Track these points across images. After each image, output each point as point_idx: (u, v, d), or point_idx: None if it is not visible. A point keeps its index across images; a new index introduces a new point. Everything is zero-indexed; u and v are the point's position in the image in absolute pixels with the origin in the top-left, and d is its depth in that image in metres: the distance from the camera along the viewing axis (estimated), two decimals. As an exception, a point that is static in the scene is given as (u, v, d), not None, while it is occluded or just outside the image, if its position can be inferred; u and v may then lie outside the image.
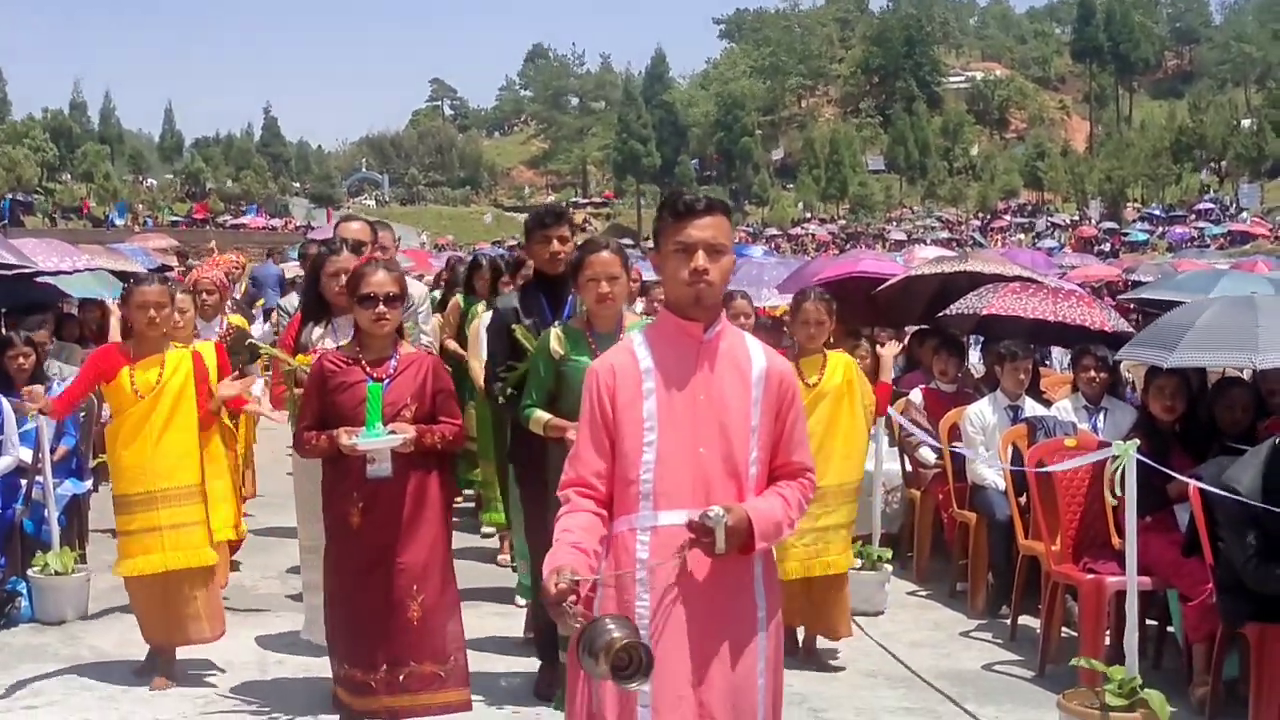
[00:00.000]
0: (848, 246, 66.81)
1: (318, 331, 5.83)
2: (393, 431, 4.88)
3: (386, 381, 4.98)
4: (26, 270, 9.37)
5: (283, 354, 5.86)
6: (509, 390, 5.58)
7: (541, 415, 5.25)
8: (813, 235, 78.98)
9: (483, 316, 7.70)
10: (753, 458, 3.21)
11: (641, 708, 3.11)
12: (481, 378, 7.73)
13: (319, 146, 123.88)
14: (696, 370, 3.21)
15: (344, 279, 5.43)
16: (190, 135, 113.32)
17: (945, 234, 76.98)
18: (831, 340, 6.58)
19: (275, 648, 6.66)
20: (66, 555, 7.25)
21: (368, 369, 4.99)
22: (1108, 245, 60.55)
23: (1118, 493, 5.42)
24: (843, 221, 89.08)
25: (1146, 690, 5.00)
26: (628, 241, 43.10)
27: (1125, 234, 65.78)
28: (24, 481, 7.61)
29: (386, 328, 4.98)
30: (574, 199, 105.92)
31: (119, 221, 72.51)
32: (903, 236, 73.10)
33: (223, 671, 6.23)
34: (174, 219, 77.66)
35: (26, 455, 7.55)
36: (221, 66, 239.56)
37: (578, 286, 5.32)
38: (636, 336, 3.33)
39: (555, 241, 5.74)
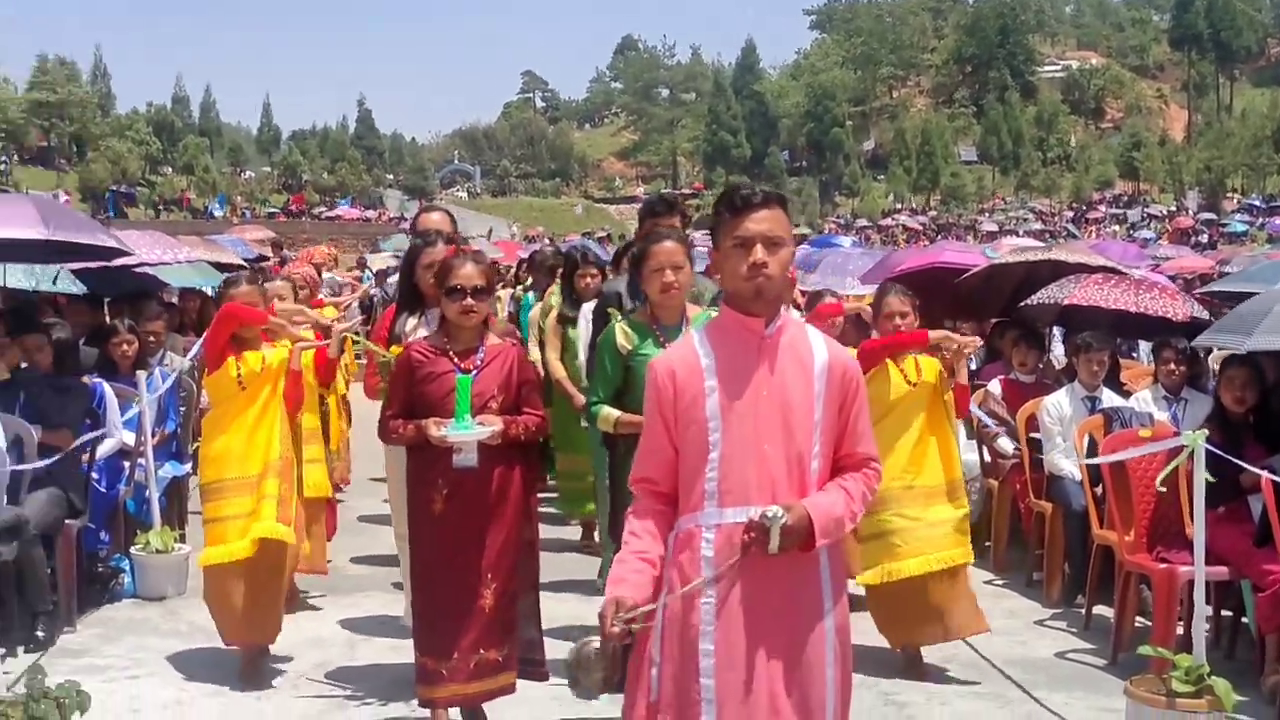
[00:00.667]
0: (938, 238, 66.23)
1: (411, 322, 5.89)
2: (481, 423, 4.94)
3: (474, 373, 5.04)
4: (129, 261, 9.72)
5: (377, 346, 5.96)
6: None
7: (610, 412, 5.24)
8: (903, 226, 78.31)
9: (581, 316, 7.83)
10: (815, 451, 3.19)
11: (705, 702, 3.12)
12: (556, 370, 8.17)
13: (412, 139, 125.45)
14: (758, 366, 3.19)
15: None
16: (287, 128, 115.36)
17: (1038, 225, 75.90)
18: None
19: (364, 628, 6.90)
20: (167, 534, 7.56)
21: (455, 360, 5.05)
22: (1205, 237, 59.29)
23: (1185, 483, 5.44)
24: (933, 213, 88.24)
25: (1213, 678, 5.03)
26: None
27: (1224, 225, 64.37)
28: (127, 463, 7.94)
29: (474, 319, 5.04)
30: (663, 190, 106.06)
31: (218, 213, 74.03)
32: (994, 228, 72.10)
33: (310, 654, 6.43)
34: (271, 211, 79.08)
35: (129, 438, 7.87)
36: (317, 60, 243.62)
37: (642, 278, 5.29)
38: (697, 333, 3.31)
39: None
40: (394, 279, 9.18)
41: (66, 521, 6.72)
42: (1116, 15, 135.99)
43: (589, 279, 8.22)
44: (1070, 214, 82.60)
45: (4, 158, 77.13)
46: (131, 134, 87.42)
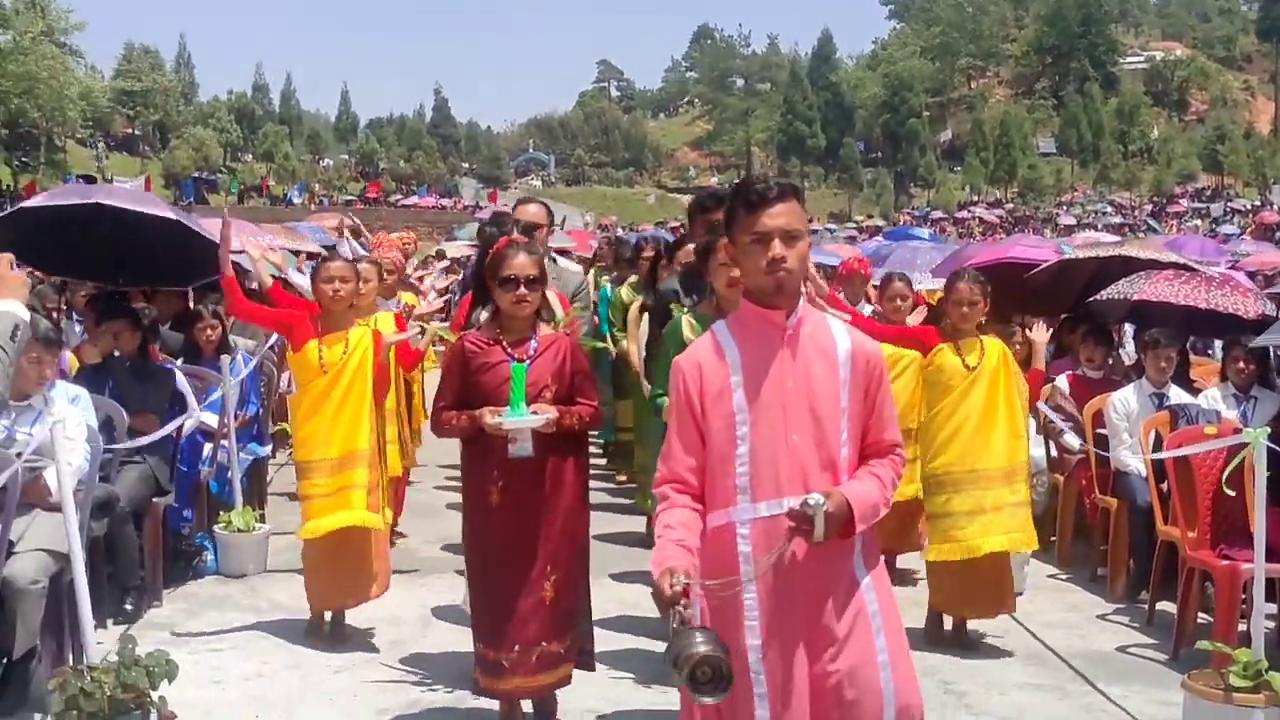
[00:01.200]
0: (1014, 231, 65.60)
1: (486, 313, 5.78)
2: (535, 412, 4.91)
3: (528, 363, 5.00)
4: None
5: (452, 335, 5.89)
6: None
7: None
8: (979, 219, 77.67)
9: (639, 301, 7.74)
10: (844, 439, 3.22)
11: (759, 696, 3.16)
12: (636, 362, 7.91)
13: (488, 127, 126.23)
14: (782, 358, 3.21)
15: None
16: (365, 116, 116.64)
17: (1117, 219, 74.96)
18: (984, 323, 6.62)
19: (436, 609, 7.09)
20: (249, 514, 7.81)
21: (509, 349, 5.02)
22: (1290, 232, 58.25)
23: (1249, 479, 5.48)
24: (1010, 205, 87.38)
25: (1271, 673, 5.07)
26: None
27: (1309, 220, 63.17)
28: (208, 445, 8.21)
29: (526, 310, 5.02)
30: (737, 180, 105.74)
31: (296, 200, 75.08)
32: (1072, 221, 71.36)
33: (386, 630, 6.64)
34: (348, 198, 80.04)
35: (211, 419, 8.13)
36: (395, 49, 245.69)
37: (708, 271, 5.25)
38: (720, 328, 3.33)
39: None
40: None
41: (154, 500, 6.99)
42: (1202, 5, 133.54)
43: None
44: (1150, 208, 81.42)
45: (97, 147, 78.72)
46: (213, 121, 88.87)
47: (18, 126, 71.08)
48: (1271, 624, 6.69)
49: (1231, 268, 16.91)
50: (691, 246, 6.10)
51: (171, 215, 8.55)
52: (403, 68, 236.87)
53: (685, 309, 5.37)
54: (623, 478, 10.59)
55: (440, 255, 25.06)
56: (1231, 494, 5.72)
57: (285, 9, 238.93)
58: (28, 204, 8.99)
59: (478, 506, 5.09)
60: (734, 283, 5.00)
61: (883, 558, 3.42)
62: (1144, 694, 5.94)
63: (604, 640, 5.76)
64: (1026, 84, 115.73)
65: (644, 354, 7.23)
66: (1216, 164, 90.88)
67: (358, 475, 6.34)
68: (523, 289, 4.98)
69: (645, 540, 8.30)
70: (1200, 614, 6.68)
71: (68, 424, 5.29)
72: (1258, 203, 75.91)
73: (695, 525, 3.21)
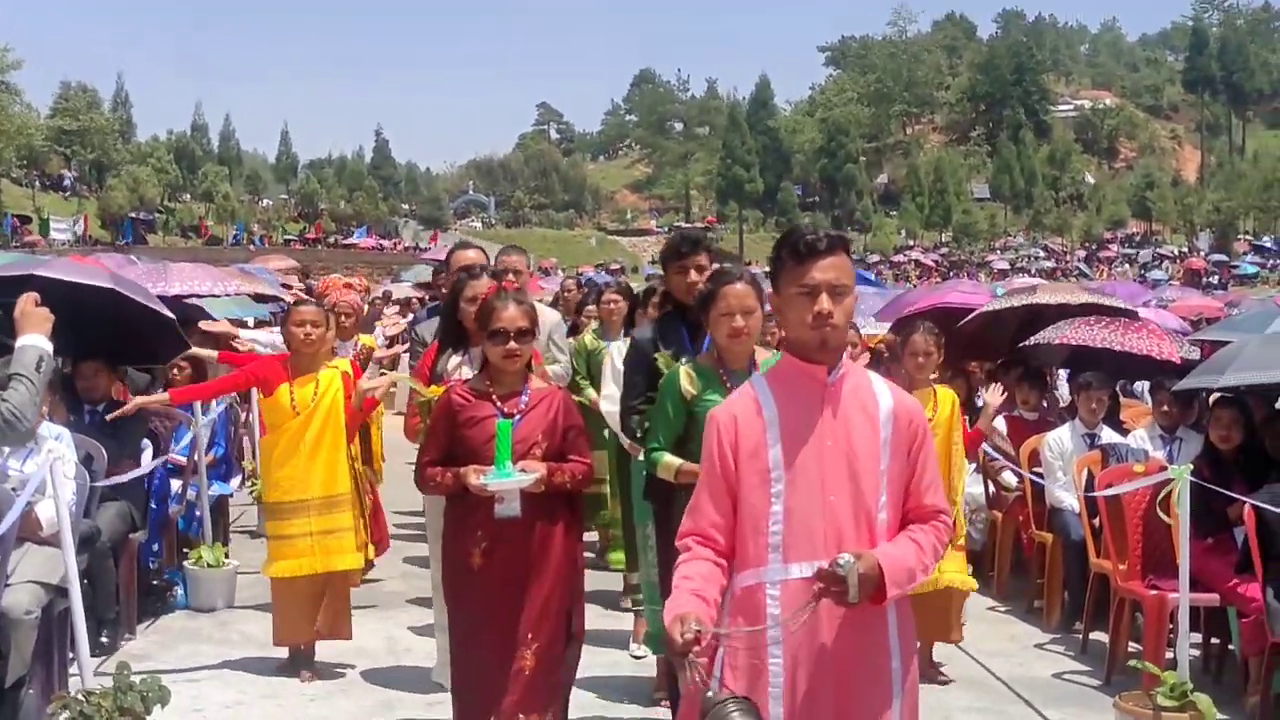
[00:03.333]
0: (950, 274, 66.80)
1: (454, 360, 5.74)
2: (523, 470, 4.65)
3: (517, 418, 4.76)
4: (181, 291, 10.26)
5: (418, 384, 5.81)
6: (646, 425, 5.25)
7: (671, 460, 4.97)
8: (915, 262, 78.89)
9: (611, 352, 7.37)
10: (883, 502, 3.08)
11: None
12: (612, 416, 7.17)
13: (427, 169, 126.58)
14: (822, 414, 3.08)
15: None
16: (305, 156, 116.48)
17: (1050, 263, 76.44)
18: (936, 373, 6.93)
19: (404, 639, 7.35)
20: (218, 549, 8.04)
21: (498, 403, 4.79)
22: (1216, 278, 59.81)
23: (1174, 513, 5.89)
24: (945, 249, 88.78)
25: (1196, 694, 5.47)
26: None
27: (1235, 267, 64.90)
28: (177, 482, 8.41)
29: (517, 364, 4.80)
30: (677, 223, 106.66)
31: (235, 240, 74.86)
32: (1006, 265, 72.72)
33: (355, 661, 6.88)
34: (288, 238, 79.88)
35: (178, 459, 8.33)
36: (335, 90, 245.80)
37: (709, 321, 5.01)
38: (758, 381, 3.20)
39: (693, 271, 5.48)
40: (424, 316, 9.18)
41: (129, 536, 7.19)
42: (1131, 56, 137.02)
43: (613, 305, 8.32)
44: (1082, 253, 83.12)
45: (33, 187, 78.01)
46: (152, 161, 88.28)
47: (-48, 165, 70.50)
48: (1197, 652, 7.12)
49: (1160, 311, 17.46)
50: (664, 293, 5.97)
51: (109, 285, 7.62)
52: (343, 108, 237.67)
53: (685, 360, 5.18)
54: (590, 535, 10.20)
55: (387, 297, 25.26)
56: (1166, 518, 6.11)
57: (225, 50, 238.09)
58: None
59: (459, 567, 4.83)
60: (736, 334, 4.89)
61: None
62: (1080, 716, 6.32)
63: (578, 706, 5.57)
64: (961, 130, 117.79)
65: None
66: (1145, 211, 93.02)
67: (342, 519, 6.59)
68: (513, 343, 4.76)
69: (615, 601, 8.08)
70: (1131, 643, 7.08)
71: (64, 461, 5.52)
72: (1185, 249, 77.76)
73: (714, 579, 3.08)
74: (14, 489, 5.32)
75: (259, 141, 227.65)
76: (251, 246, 68.49)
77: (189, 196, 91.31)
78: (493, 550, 4.73)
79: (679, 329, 5.52)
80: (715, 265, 5.46)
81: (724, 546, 3.12)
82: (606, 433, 7.49)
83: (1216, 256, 70.99)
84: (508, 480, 4.62)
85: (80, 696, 4.86)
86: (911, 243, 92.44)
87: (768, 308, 4.26)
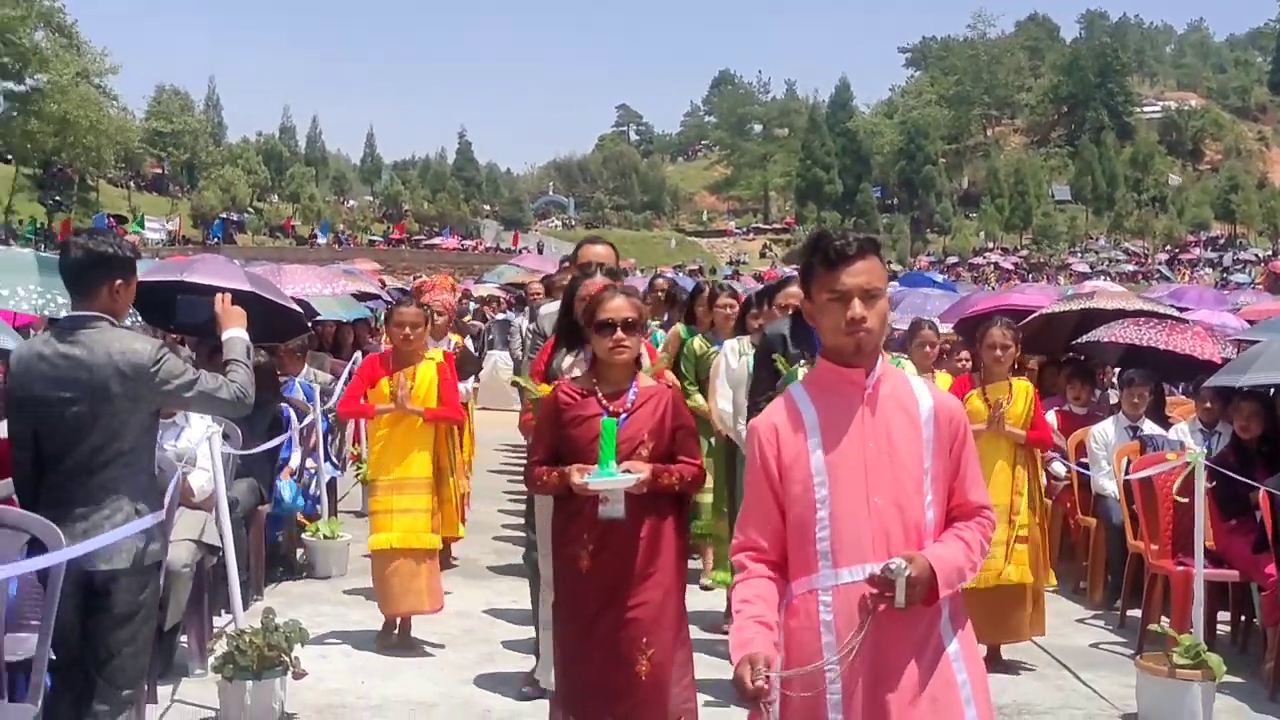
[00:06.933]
0: (1030, 277, 66.64)
1: (569, 360, 5.64)
2: (627, 470, 4.53)
3: (623, 416, 4.63)
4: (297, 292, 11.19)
5: (529, 381, 5.80)
6: None
7: None
8: (994, 265, 78.72)
9: (725, 353, 7.24)
10: (928, 501, 3.08)
11: None
12: (719, 418, 7.18)
13: (508, 170, 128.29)
14: (862, 418, 3.08)
15: None
16: (389, 158, 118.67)
17: (1131, 266, 75.97)
18: (1015, 367, 7.42)
19: (498, 608, 8.15)
20: (334, 523, 8.93)
21: (604, 402, 4.66)
22: (1300, 281, 59.12)
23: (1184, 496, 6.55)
24: (1025, 252, 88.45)
25: (1209, 654, 6.11)
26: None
27: (1319, 270, 64.02)
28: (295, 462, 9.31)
29: (624, 356, 4.66)
30: (755, 224, 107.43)
31: (322, 240, 76.54)
32: (1086, 268, 72.44)
33: (459, 620, 7.73)
34: (372, 239, 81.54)
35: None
36: (420, 92, 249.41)
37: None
38: (796, 389, 3.21)
39: None
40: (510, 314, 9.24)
41: (258, 508, 8.08)
42: (1218, 56, 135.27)
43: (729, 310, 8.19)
44: (1164, 256, 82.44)
45: (128, 187, 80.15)
46: (241, 162, 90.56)
47: (51, 166, 72.87)
48: (1227, 628, 7.75)
49: (1233, 315, 17.74)
50: (793, 291, 5.94)
51: (247, 288, 8.62)
52: (427, 110, 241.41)
53: (802, 363, 5.12)
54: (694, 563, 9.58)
55: (467, 295, 26.03)
56: (1183, 500, 6.75)
57: (313, 54, 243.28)
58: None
59: (567, 570, 4.74)
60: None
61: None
62: (1109, 679, 6.97)
63: None
64: (1042, 132, 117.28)
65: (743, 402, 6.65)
66: (1229, 213, 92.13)
67: (420, 500, 7.25)
68: (620, 333, 4.64)
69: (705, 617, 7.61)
70: (1163, 616, 7.69)
71: (213, 439, 6.38)
72: (1269, 252, 76.82)
73: (773, 597, 3.10)
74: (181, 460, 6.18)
75: (345, 143, 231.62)
76: (337, 246, 70.20)
77: (276, 197, 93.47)
78: (599, 552, 4.61)
79: (811, 327, 5.73)
80: None
81: (776, 557, 3.13)
82: (713, 440, 7.38)
83: (1302, 260, 70.22)
84: (610, 480, 4.52)
85: (234, 634, 5.70)
86: (990, 245, 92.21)
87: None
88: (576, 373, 5.36)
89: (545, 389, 5.34)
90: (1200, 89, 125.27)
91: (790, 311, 6.11)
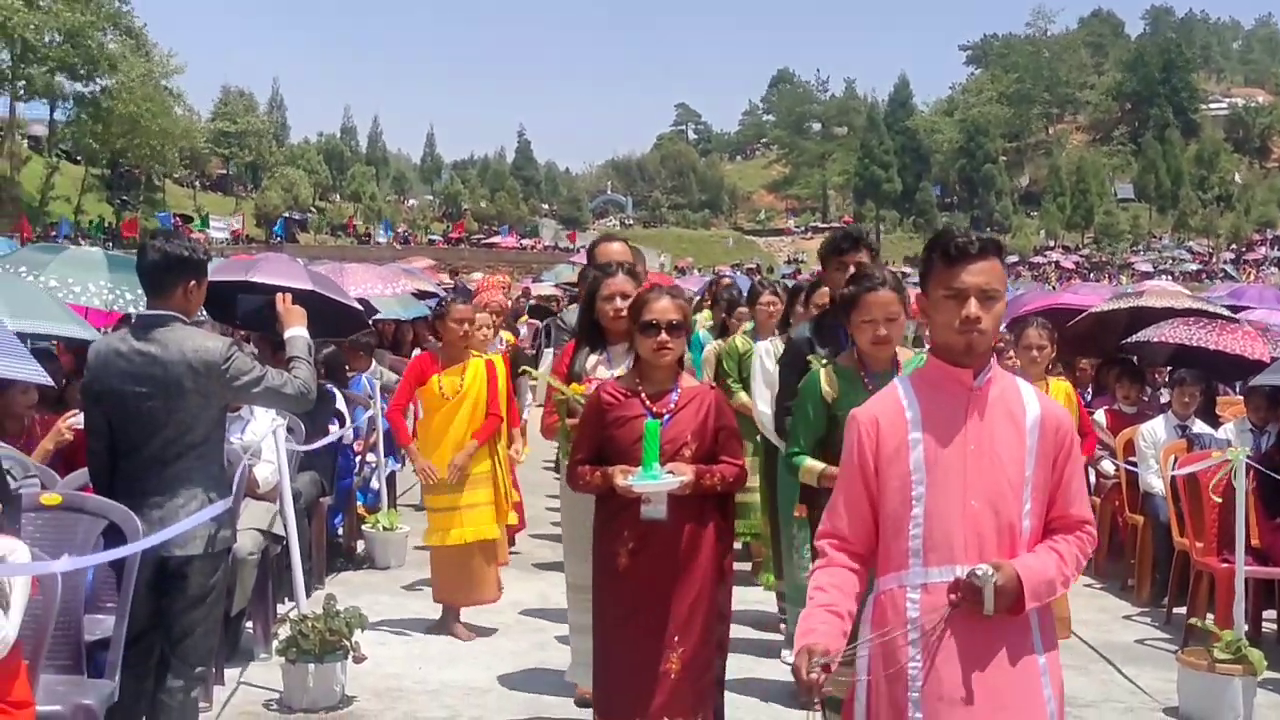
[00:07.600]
0: (1091, 276, 66.11)
1: (592, 359, 5.64)
2: (670, 472, 4.57)
3: (666, 417, 4.68)
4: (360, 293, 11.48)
5: (557, 382, 5.74)
6: None
7: (814, 464, 4.91)
8: (1055, 264, 78.11)
9: (760, 354, 7.16)
10: (1026, 510, 3.03)
11: None
12: (759, 420, 7.03)
13: (567, 169, 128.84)
14: (966, 419, 3.04)
15: (619, 302, 5.45)
16: (449, 157, 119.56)
17: (1195, 265, 75.09)
18: (1050, 367, 7.48)
19: (550, 592, 8.31)
20: (394, 515, 9.18)
21: (647, 402, 4.71)
22: (1368, 280, 58.27)
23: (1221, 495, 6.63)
24: (1086, 251, 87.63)
25: (1250, 649, 6.19)
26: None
27: (1388, 269, 63.06)
28: (357, 456, 9.58)
29: (668, 357, 4.70)
30: (813, 223, 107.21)
31: (382, 239, 77.34)
32: (1149, 267, 71.71)
33: (513, 610, 7.93)
34: (432, 237, 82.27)
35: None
36: (479, 92, 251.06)
37: (850, 325, 4.96)
38: (903, 382, 3.17)
39: (853, 267, 5.36)
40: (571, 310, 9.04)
41: (320, 500, 8.34)
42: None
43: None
44: (1229, 255, 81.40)
45: (193, 186, 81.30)
46: (303, 163, 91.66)
47: (119, 167, 74.18)
48: (1274, 626, 7.81)
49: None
50: (826, 290, 5.96)
51: (310, 287, 8.69)
52: (486, 110, 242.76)
53: (823, 361, 5.18)
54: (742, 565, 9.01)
55: (527, 294, 26.24)
56: (1218, 500, 6.83)
57: (374, 55, 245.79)
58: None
59: (605, 568, 4.79)
60: (880, 341, 4.87)
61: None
62: (1152, 674, 7.05)
63: (737, 708, 5.74)
64: (1104, 130, 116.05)
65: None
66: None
67: (480, 494, 7.46)
68: (664, 334, 4.67)
69: (760, 621, 7.68)
70: (1208, 613, 7.77)
71: (277, 432, 6.63)
72: (1338, 251, 75.68)
73: (850, 587, 3.10)
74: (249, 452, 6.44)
75: (405, 143, 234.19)
76: (398, 245, 70.91)
77: (338, 197, 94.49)
78: (639, 552, 4.67)
79: (836, 326, 5.43)
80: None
81: (861, 549, 3.12)
82: (759, 438, 7.28)
83: (1370, 259, 69.19)
84: (653, 482, 4.56)
85: (297, 619, 5.95)
86: (1051, 244, 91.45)
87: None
88: (603, 371, 5.48)
89: (577, 389, 5.44)
90: (1269, 85, 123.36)
91: (817, 312, 6.07)
